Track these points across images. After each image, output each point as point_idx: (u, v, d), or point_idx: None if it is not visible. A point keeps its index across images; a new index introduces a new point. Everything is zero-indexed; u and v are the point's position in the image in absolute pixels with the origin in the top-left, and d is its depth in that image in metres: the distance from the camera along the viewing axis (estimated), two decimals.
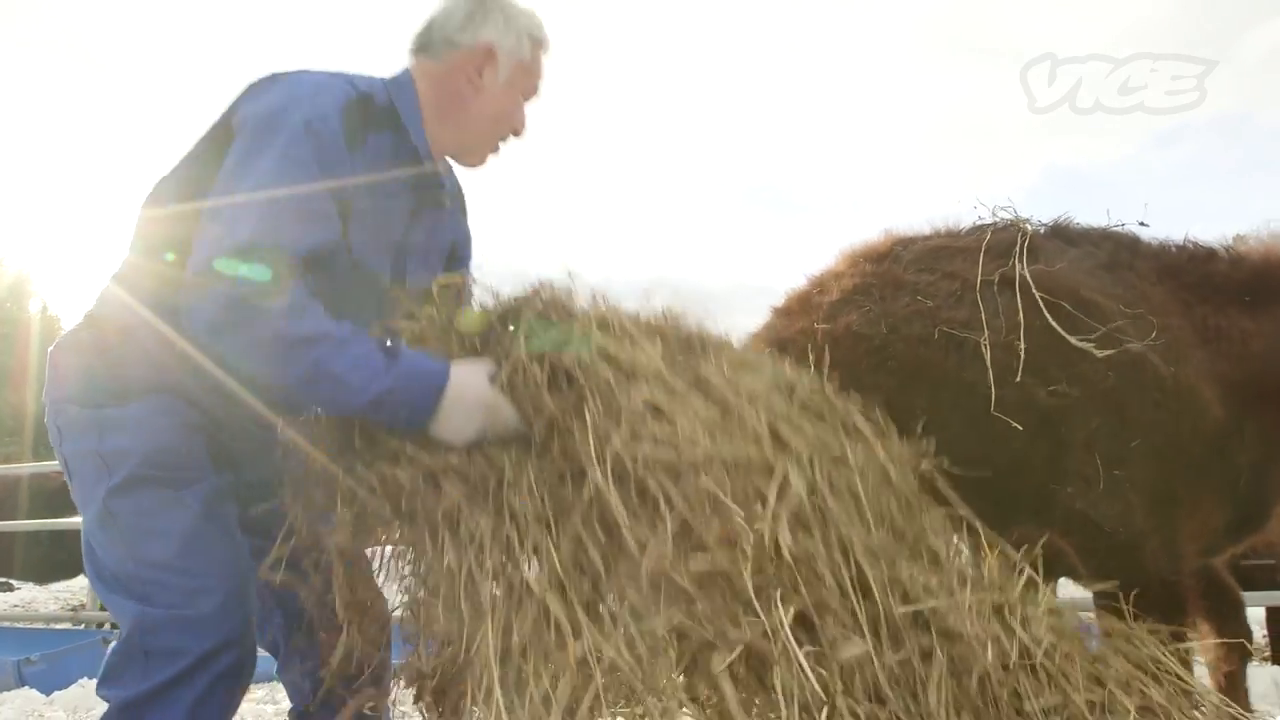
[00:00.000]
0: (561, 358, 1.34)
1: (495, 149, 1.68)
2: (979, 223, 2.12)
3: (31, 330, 30.21)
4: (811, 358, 1.64)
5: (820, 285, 2.15)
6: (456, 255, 1.80)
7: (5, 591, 10.37)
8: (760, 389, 1.42)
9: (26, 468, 7.52)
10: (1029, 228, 2.02)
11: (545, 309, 1.42)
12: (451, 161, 1.75)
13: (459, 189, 1.83)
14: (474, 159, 1.70)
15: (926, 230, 2.15)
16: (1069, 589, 2.37)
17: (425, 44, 1.62)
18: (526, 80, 1.65)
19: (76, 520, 1.67)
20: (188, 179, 1.50)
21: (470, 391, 1.35)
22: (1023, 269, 1.86)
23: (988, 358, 1.79)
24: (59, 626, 5.79)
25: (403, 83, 1.60)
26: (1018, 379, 1.79)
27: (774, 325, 2.18)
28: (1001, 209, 2.11)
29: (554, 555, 1.24)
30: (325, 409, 1.46)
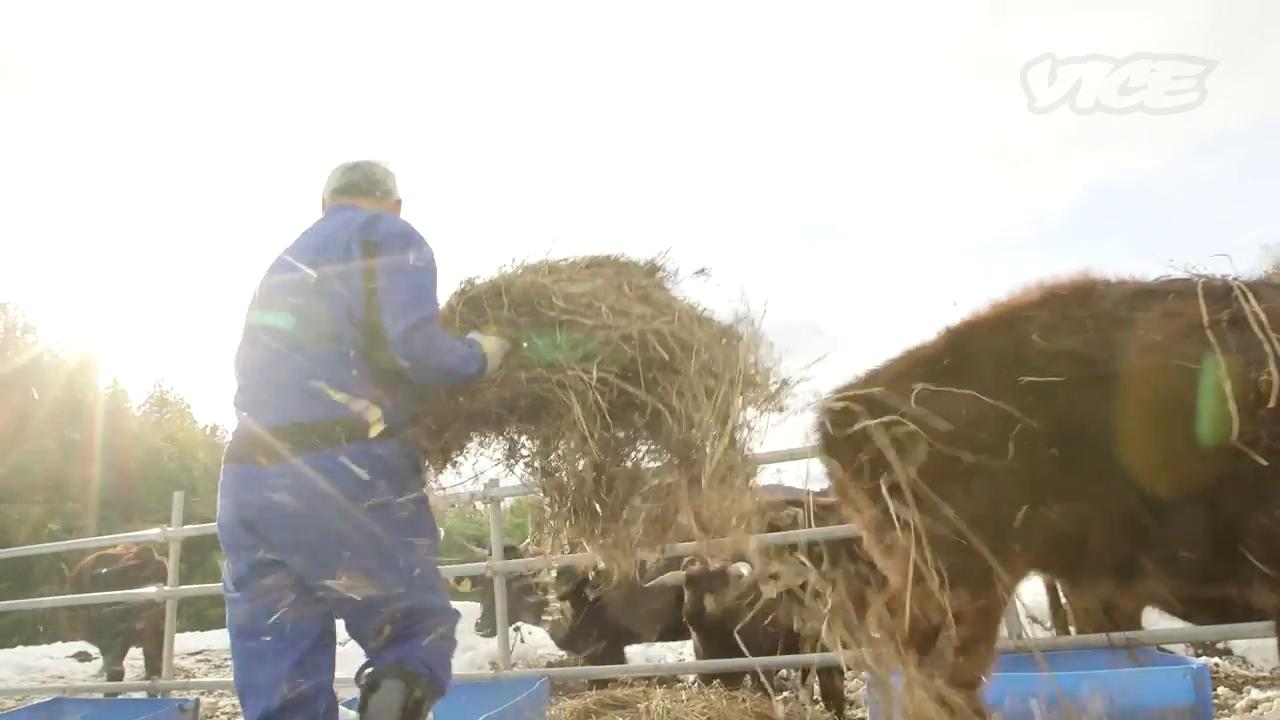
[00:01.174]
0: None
1: None
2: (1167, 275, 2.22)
3: (99, 405, 31.12)
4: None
5: (1014, 314, 2.23)
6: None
7: (84, 661, 10.58)
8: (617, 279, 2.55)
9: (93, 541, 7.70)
10: (1233, 278, 2.12)
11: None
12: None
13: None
14: None
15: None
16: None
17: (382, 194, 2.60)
18: None
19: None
20: (334, 279, 2.20)
21: (492, 351, 2.33)
22: (1255, 308, 1.95)
23: (1228, 389, 1.87)
24: (136, 696, 5.87)
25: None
26: (1262, 411, 1.86)
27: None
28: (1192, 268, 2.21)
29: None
30: (460, 380, 2.28)
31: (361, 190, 2.50)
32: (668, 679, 5.40)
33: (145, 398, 39.29)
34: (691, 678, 5.83)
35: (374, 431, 2.16)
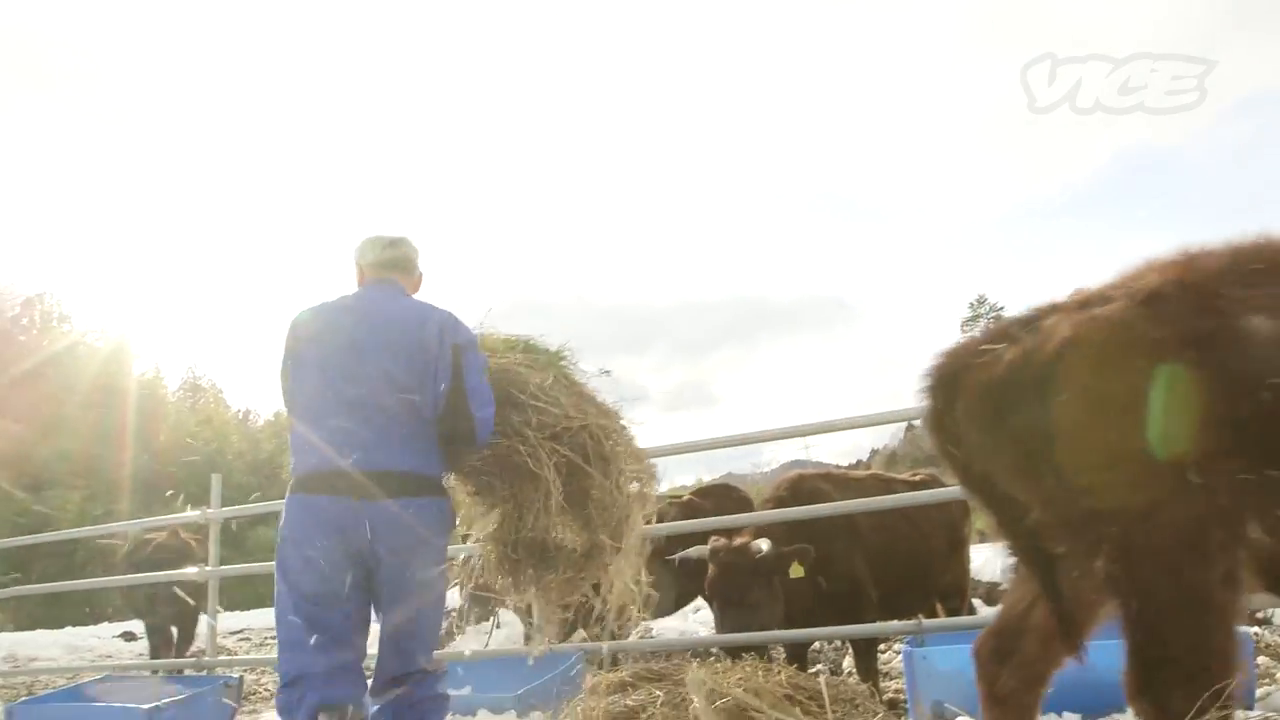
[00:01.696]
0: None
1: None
2: None
3: (131, 393, 31.59)
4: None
5: (1169, 286, 1.95)
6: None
7: (129, 641, 10.86)
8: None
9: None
10: None
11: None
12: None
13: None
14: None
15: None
16: None
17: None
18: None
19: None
20: (421, 364, 2.76)
21: None
22: None
23: None
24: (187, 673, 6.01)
25: None
26: None
27: (1136, 324, 1.93)
28: None
29: None
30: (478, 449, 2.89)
31: (401, 269, 3.05)
32: (700, 653, 5.43)
33: (179, 384, 39.87)
34: (714, 651, 5.87)
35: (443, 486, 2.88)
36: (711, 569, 4.13)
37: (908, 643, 3.49)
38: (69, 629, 13.10)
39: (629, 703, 3.17)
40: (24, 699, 5.05)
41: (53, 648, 10.31)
